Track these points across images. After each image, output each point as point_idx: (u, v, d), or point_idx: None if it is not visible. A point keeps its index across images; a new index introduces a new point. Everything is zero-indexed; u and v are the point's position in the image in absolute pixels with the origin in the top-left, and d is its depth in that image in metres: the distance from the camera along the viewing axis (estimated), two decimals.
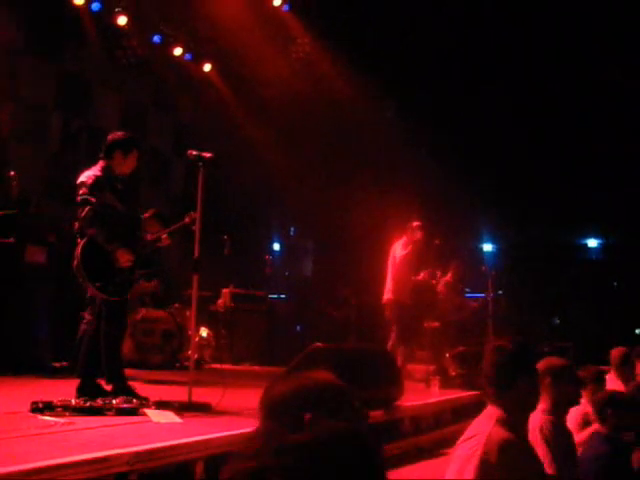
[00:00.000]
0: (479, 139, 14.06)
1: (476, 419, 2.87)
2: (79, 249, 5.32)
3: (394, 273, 9.02)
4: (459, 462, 2.69)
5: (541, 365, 3.60)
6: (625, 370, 5.40)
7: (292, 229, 17.26)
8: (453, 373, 8.96)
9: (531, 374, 2.87)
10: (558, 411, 3.69)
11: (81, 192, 5.36)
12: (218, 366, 9.63)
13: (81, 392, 5.10)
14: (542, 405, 3.56)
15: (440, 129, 13.58)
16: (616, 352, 5.55)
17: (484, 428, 2.74)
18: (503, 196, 14.94)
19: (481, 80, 13.35)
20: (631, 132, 14.18)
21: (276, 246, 16.87)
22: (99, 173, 5.46)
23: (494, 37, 12.77)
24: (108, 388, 5.31)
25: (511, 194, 14.89)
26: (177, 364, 8.97)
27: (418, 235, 9.01)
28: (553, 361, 3.82)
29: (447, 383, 8.49)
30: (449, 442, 4.52)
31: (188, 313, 8.96)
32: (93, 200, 5.32)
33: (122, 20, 11.01)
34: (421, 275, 9.70)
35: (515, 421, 2.80)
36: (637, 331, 15.00)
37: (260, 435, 1.93)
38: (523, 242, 16.54)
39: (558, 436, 3.57)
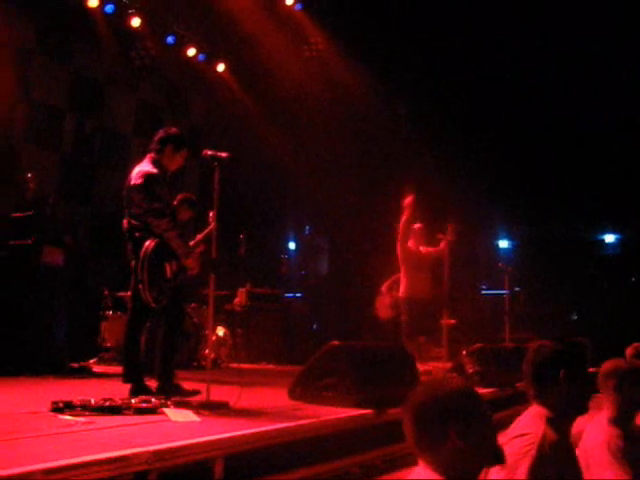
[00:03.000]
0: (495, 135, 13.99)
1: (521, 417, 2.82)
2: (148, 251, 5.25)
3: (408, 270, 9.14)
4: (511, 459, 2.59)
5: (605, 366, 3.46)
6: None
7: (307, 228, 17.26)
8: (470, 370, 8.89)
9: (574, 373, 2.77)
10: (625, 418, 3.44)
11: (146, 199, 5.34)
12: (235, 365, 9.67)
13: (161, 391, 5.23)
14: (606, 413, 3.41)
15: (455, 126, 13.52)
16: (631, 350, 5.43)
17: (536, 427, 2.70)
18: (519, 192, 14.85)
19: (496, 75, 13.27)
20: None
21: (292, 245, 16.88)
22: (154, 170, 5.48)
23: (506, 30, 12.70)
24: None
25: (527, 190, 14.80)
26: (194, 363, 9.01)
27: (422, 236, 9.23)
28: (618, 362, 3.59)
29: (465, 380, 8.43)
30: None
31: (205, 312, 8.99)
32: (161, 206, 5.36)
33: (136, 22, 11.06)
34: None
35: (560, 422, 2.75)
36: None
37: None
38: (540, 238, 16.46)
39: (630, 450, 3.33)
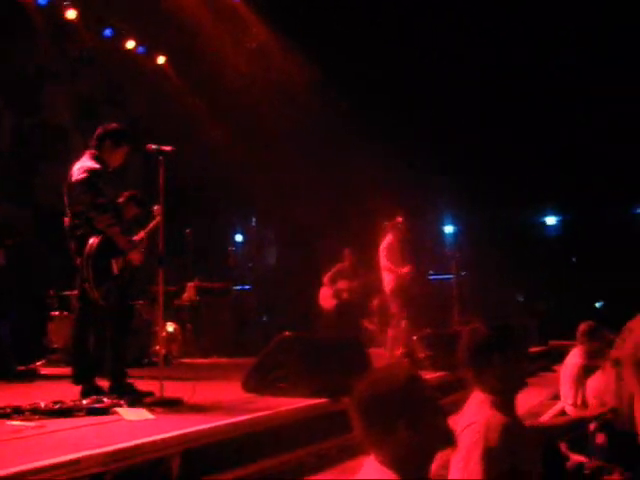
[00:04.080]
0: (438, 121, 14.14)
1: (466, 405, 2.85)
2: (92, 248, 5.15)
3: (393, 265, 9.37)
4: (464, 451, 2.65)
5: None
6: (591, 345, 5.44)
7: (253, 220, 17.22)
8: (421, 355, 9.02)
9: (507, 354, 2.79)
10: None
11: (89, 194, 5.21)
12: (186, 360, 9.59)
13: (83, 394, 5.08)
14: None
15: (398, 113, 13.62)
16: (584, 326, 5.58)
17: (481, 414, 2.73)
18: (462, 178, 15.08)
19: (438, 62, 13.40)
20: (587, 112, 14.43)
21: (238, 237, 16.81)
22: (96, 165, 5.36)
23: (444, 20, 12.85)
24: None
25: (471, 175, 15.04)
26: (145, 360, 8.90)
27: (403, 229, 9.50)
28: None
29: (416, 366, 8.56)
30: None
31: (154, 308, 8.89)
32: (104, 201, 5.24)
33: (71, 14, 10.80)
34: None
35: (504, 403, 2.78)
36: (597, 305, 15.34)
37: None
38: (484, 222, 16.77)
39: None
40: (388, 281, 9.39)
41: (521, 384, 2.85)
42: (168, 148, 5.21)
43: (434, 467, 2.24)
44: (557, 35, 13.22)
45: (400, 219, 9.59)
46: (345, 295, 11.25)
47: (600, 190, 15.74)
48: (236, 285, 13.73)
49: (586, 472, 4.38)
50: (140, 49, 11.97)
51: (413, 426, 2.05)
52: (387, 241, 9.44)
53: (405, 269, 9.34)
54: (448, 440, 2.15)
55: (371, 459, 2.13)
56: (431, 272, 15.58)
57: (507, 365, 2.77)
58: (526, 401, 6.27)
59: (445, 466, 2.69)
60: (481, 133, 14.50)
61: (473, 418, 2.74)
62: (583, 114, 14.58)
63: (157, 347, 9.07)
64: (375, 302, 13.02)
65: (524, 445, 2.76)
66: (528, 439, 2.86)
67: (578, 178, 15.57)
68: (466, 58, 13.50)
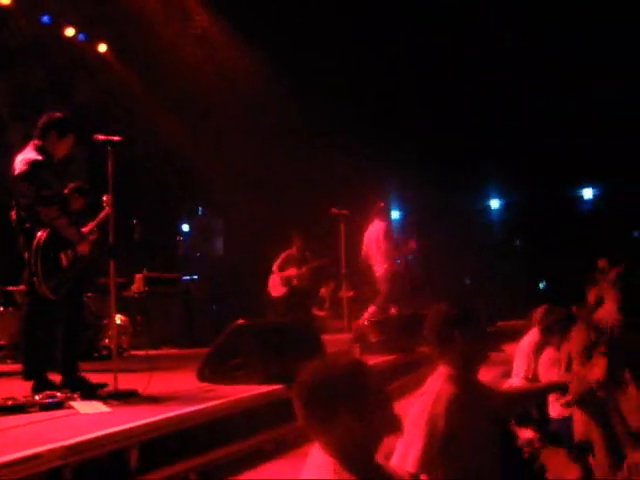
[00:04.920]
0: (383, 109, 14.22)
1: (429, 378, 3.06)
2: (40, 242, 5.04)
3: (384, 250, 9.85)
4: (413, 418, 2.88)
5: None
6: (546, 325, 5.62)
7: (200, 209, 17.09)
8: (372, 340, 9.12)
9: (467, 332, 3.00)
10: None
11: (32, 187, 5.09)
12: (137, 352, 9.49)
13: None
14: None
15: (346, 104, 13.63)
16: (540, 310, 5.76)
17: (434, 385, 2.96)
18: (406, 160, 15.19)
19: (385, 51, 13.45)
20: (527, 96, 14.72)
21: (186, 227, 16.67)
22: (39, 157, 5.22)
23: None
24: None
25: (416, 161, 15.19)
26: (95, 354, 8.78)
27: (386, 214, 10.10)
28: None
29: (368, 350, 8.65)
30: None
31: (102, 301, 8.77)
32: (49, 194, 5.13)
33: None
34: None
35: (463, 377, 3.00)
36: (540, 285, 15.74)
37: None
38: (429, 206, 16.97)
39: None
40: (379, 266, 9.83)
41: (482, 359, 3.09)
42: (117, 138, 5.13)
43: (381, 455, 2.30)
44: (498, 22, 13.42)
45: (382, 204, 10.01)
46: (294, 282, 11.27)
47: (541, 173, 16.12)
48: (185, 275, 13.64)
49: (535, 447, 4.56)
50: (81, 36, 11.70)
51: (357, 413, 2.06)
52: (380, 227, 9.89)
53: (411, 244, 10.03)
54: (393, 427, 2.18)
55: (316, 447, 2.13)
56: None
57: (468, 341, 2.99)
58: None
59: (388, 455, 2.78)
60: (426, 118, 14.64)
61: (427, 389, 2.99)
62: (524, 98, 14.87)
63: (107, 340, 8.99)
64: (325, 289, 13.11)
65: (472, 417, 2.94)
66: (478, 412, 3.02)
67: (521, 162, 15.90)
68: (410, 46, 13.56)
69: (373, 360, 7.79)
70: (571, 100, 14.67)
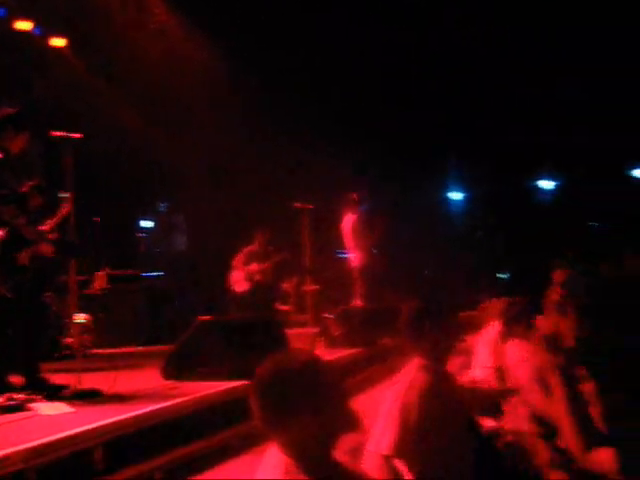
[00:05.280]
0: (342, 103, 14.21)
1: (403, 370, 3.21)
2: None
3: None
4: (387, 405, 3.02)
5: None
6: (509, 316, 5.67)
7: (162, 205, 16.94)
8: (336, 333, 9.16)
9: (436, 324, 3.19)
10: None
11: None
12: (100, 351, 9.39)
13: None
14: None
15: (306, 101, 13.60)
16: (502, 301, 5.79)
17: (407, 375, 3.13)
18: (368, 159, 15.19)
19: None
20: (482, 85, 14.85)
21: (147, 223, 16.51)
22: None
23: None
24: None
25: (373, 155, 15.16)
26: (56, 354, 8.65)
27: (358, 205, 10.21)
28: None
29: (332, 343, 8.70)
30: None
31: (63, 300, 8.65)
32: (6, 192, 5.06)
33: None
34: None
35: (434, 367, 3.17)
36: (502, 276, 15.94)
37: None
38: (390, 201, 17.05)
39: None
40: (354, 259, 10.15)
41: (451, 349, 3.30)
42: (77, 135, 5.06)
43: (338, 452, 2.31)
44: (462, 20, 13.49)
45: (354, 196, 10.18)
46: (257, 277, 11.24)
47: (500, 164, 16.34)
48: (147, 272, 13.51)
49: (502, 436, 4.63)
50: (36, 30, 11.47)
51: (313, 410, 2.04)
52: (351, 219, 10.14)
53: (379, 225, 10.19)
54: (351, 424, 2.18)
55: (273, 446, 2.11)
56: (340, 250, 15.76)
57: (438, 333, 3.18)
58: None
59: (349, 451, 2.82)
60: (383, 109, 14.62)
61: (399, 379, 3.16)
62: (478, 88, 14.99)
63: (69, 339, 8.86)
64: (288, 284, 13.10)
65: (443, 405, 3.07)
66: (449, 401, 3.17)
67: (480, 153, 16.08)
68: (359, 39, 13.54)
69: (337, 353, 7.85)
70: (534, 97, 14.88)
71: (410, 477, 2.91)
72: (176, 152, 12.94)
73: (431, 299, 3.35)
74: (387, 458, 2.91)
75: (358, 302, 10.10)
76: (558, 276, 5.85)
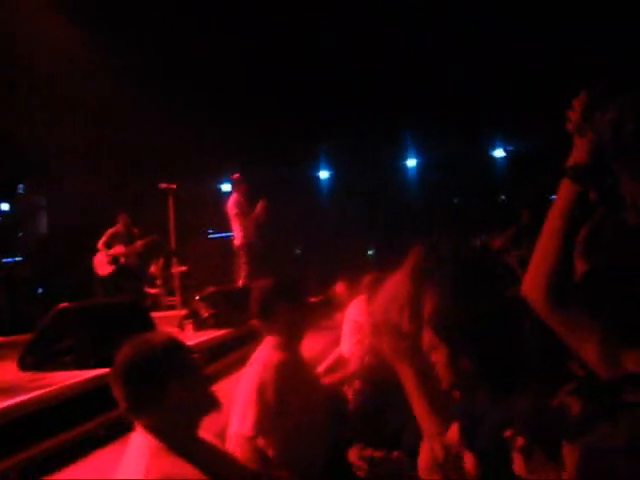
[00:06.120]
0: (219, 84, 13.97)
1: (258, 348, 3.29)
2: None
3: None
4: (245, 385, 3.10)
5: None
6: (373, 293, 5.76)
7: (21, 186, 16.11)
8: (205, 314, 9.11)
9: (291, 303, 3.26)
10: None
11: None
12: None
13: None
14: None
15: (177, 80, 13.29)
16: (368, 278, 5.87)
17: (264, 354, 3.20)
18: (245, 137, 15.08)
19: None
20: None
21: (4, 206, 15.66)
22: None
23: None
24: None
25: (251, 134, 15.09)
26: None
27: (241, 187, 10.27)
28: None
29: (200, 325, 8.64)
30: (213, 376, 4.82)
31: None
32: None
33: None
34: None
35: (288, 345, 3.25)
36: (369, 252, 16.41)
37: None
38: (261, 178, 17.05)
39: None
40: (236, 236, 10.16)
41: (304, 329, 3.35)
42: None
43: (209, 436, 2.35)
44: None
45: (236, 176, 10.28)
46: (122, 260, 10.98)
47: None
48: (6, 257, 12.88)
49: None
50: None
51: (182, 389, 2.10)
52: (233, 199, 10.18)
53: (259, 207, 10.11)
54: (212, 404, 2.24)
55: (137, 434, 2.13)
56: (210, 230, 15.67)
57: (292, 312, 3.24)
58: (309, 348, 6.61)
59: (219, 434, 2.87)
60: (265, 89, 14.50)
61: (256, 358, 3.23)
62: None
63: None
64: (155, 266, 12.88)
65: (300, 383, 3.19)
66: (305, 378, 3.31)
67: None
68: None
69: (206, 335, 7.82)
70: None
71: (273, 455, 2.98)
72: (37, 131, 12.32)
73: (284, 278, 3.41)
74: (249, 439, 2.96)
75: (240, 282, 10.17)
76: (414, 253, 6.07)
